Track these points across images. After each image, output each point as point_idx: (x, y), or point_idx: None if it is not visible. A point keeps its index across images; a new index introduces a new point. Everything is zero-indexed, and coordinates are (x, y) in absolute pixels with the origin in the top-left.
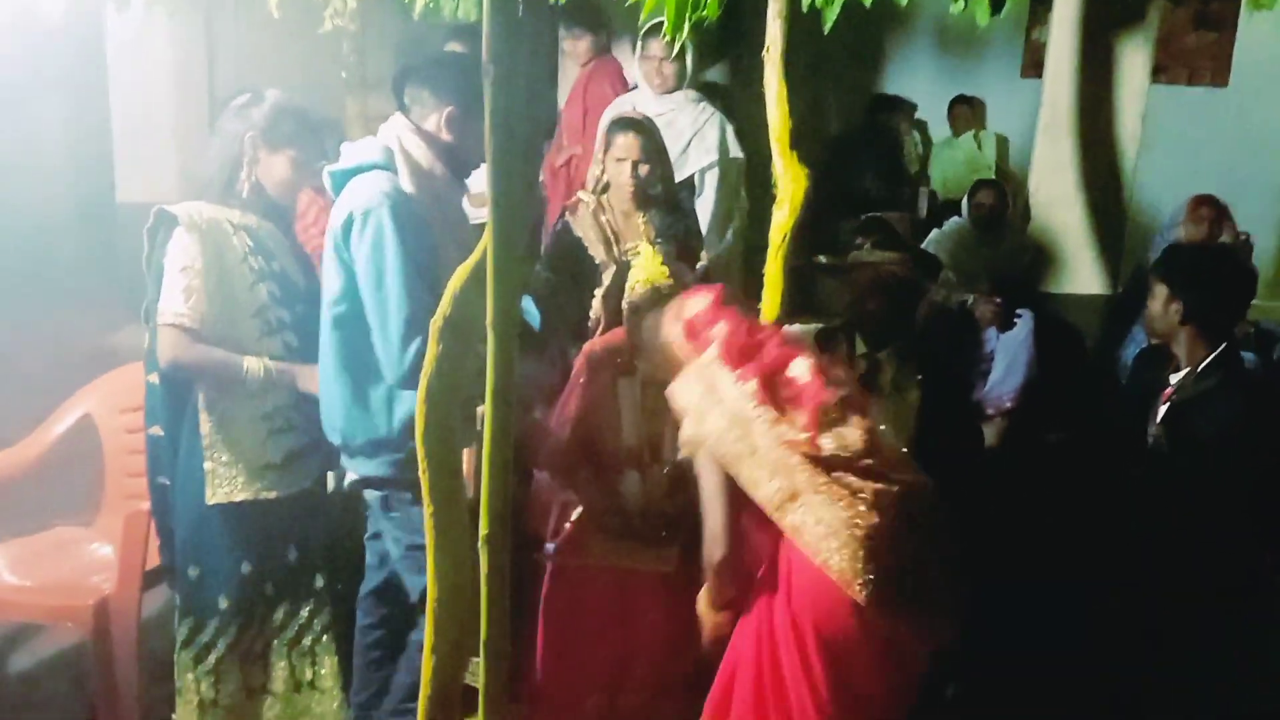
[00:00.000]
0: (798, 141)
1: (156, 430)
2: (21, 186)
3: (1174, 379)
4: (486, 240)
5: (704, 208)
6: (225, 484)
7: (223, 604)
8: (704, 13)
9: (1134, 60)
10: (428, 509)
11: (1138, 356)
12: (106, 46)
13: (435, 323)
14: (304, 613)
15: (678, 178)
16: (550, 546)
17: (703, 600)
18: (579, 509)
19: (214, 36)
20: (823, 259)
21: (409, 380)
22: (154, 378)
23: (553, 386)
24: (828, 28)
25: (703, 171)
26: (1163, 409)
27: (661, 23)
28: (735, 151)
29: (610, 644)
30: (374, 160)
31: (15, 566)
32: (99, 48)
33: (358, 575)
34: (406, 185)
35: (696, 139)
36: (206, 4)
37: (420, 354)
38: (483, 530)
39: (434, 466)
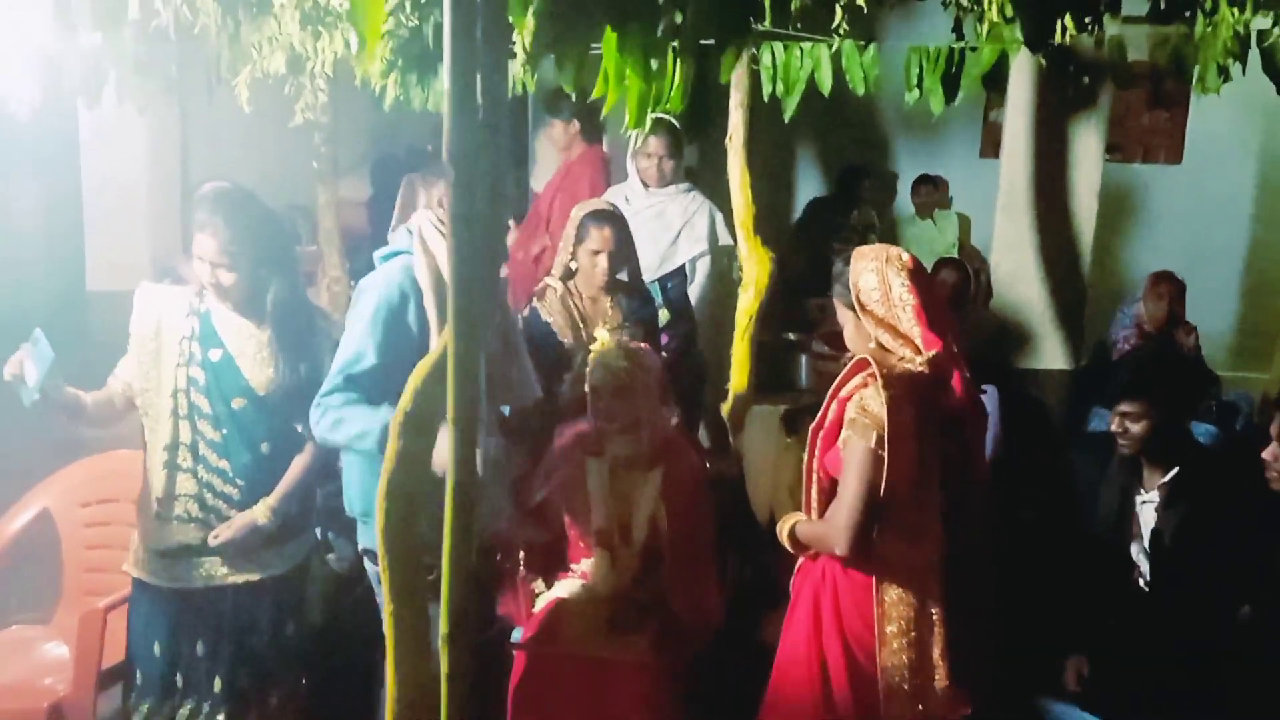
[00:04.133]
0: (760, 225)
1: None
2: None
3: (1142, 497)
4: (447, 335)
5: (695, 294)
6: (130, 556)
7: (138, 681)
8: (667, 105)
9: (1087, 141)
10: (388, 606)
11: (1113, 463)
12: (80, 137)
13: (396, 418)
14: (210, 711)
15: (670, 266)
16: (518, 634)
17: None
18: (549, 596)
19: (188, 127)
20: (791, 336)
21: (312, 414)
22: None
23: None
24: (788, 116)
25: (694, 260)
26: (1146, 530)
27: (661, 119)
28: (725, 239)
29: None
30: (402, 248)
31: None
32: (73, 139)
33: (261, 677)
34: (419, 272)
35: (686, 229)
36: (179, 97)
37: (324, 395)
38: (443, 629)
39: (395, 563)
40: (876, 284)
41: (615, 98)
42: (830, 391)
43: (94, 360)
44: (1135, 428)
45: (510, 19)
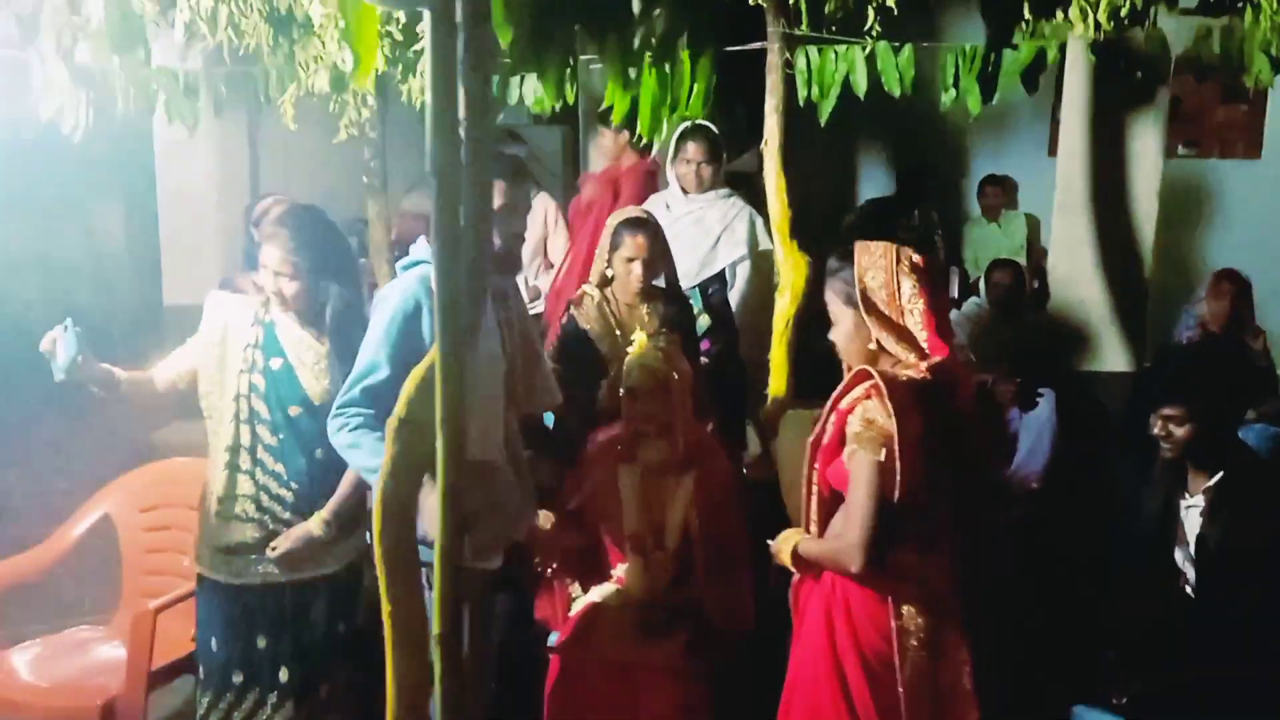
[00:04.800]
0: (821, 230)
1: None
2: (82, 289)
3: (1187, 502)
4: (435, 346)
5: (736, 299)
6: (198, 556)
7: (201, 676)
8: (686, 111)
9: (1146, 139)
10: (385, 607)
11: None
12: (155, 153)
13: (390, 424)
14: (269, 704)
15: (710, 272)
16: (554, 638)
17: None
18: (585, 600)
19: (256, 143)
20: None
21: (329, 424)
22: None
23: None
24: (824, 119)
25: (734, 265)
26: (1191, 536)
27: (699, 125)
28: (765, 243)
29: None
30: (422, 257)
31: (33, 666)
32: (148, 155)
33: (318, 668)
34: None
35: (726, 234)
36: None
37: (343, 406)
38: (435, 629)
39: (390, 566)
40: (884, 282)
41: (623, 107)
42: (829, 404)
43: None
44: (1178, 431)
45: (492, 33)
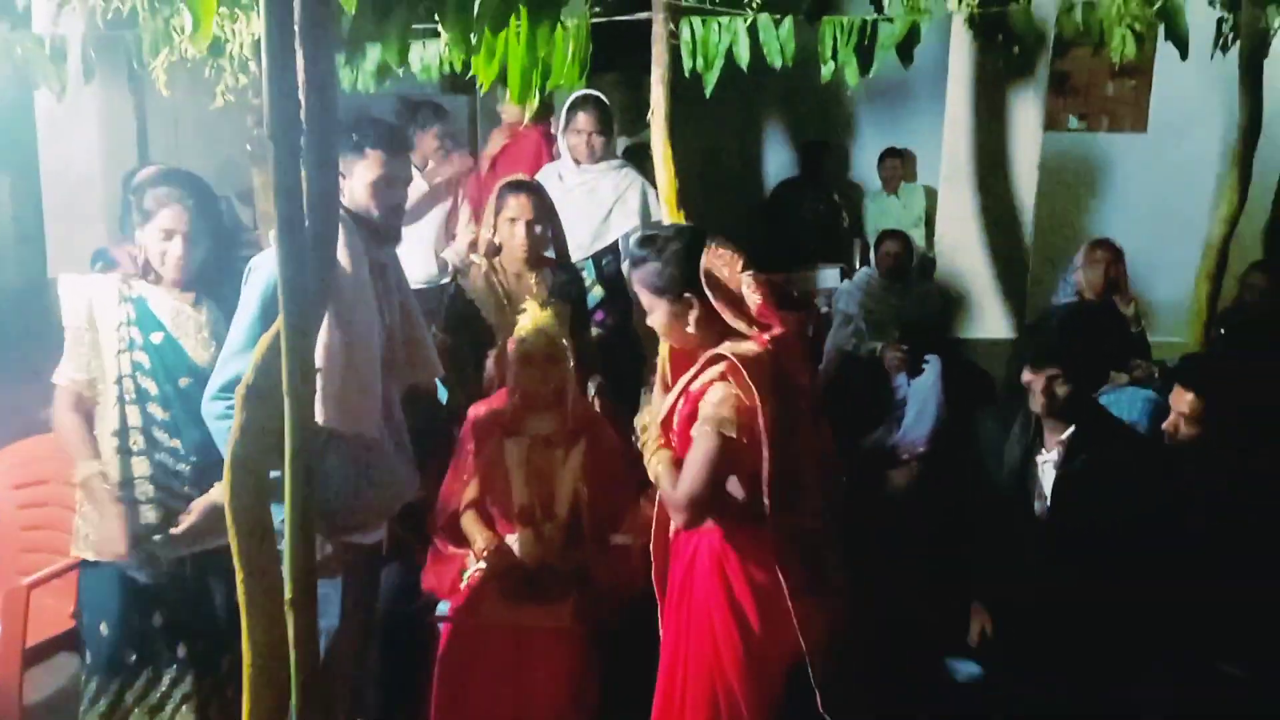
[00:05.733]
0: (729, 201)
1: None
2: None
3: (1043, 457)
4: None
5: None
6: (81, 541)
7: (88, 660)
8: (562, 80)
9: (1026, 111)
10: (239, 574)
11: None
12: (37, 125)
13: (239, 390)
14: (165, 680)
15: (603, 243)
16: (443, 607)
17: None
18: (473, 569)
19: (144, 112)
20: None
21: (206, 407)
22: None
23: (446, 447)
24: (709, 90)
25: (627, 236)
26: (1048, 483)
27: (589, 95)
28: (657, 214)
29: (506, 703)
30: None
31: None
32: (29, 126)
33: (218, 641)
34: None
35: (619, 204)
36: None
37: (224, 391)
38: (287, 594)
39: (243, 532)
40: (728, 276)
41: (490, 75)
42: (680, 386)
43: (56, 344)
44: (1061, 390)
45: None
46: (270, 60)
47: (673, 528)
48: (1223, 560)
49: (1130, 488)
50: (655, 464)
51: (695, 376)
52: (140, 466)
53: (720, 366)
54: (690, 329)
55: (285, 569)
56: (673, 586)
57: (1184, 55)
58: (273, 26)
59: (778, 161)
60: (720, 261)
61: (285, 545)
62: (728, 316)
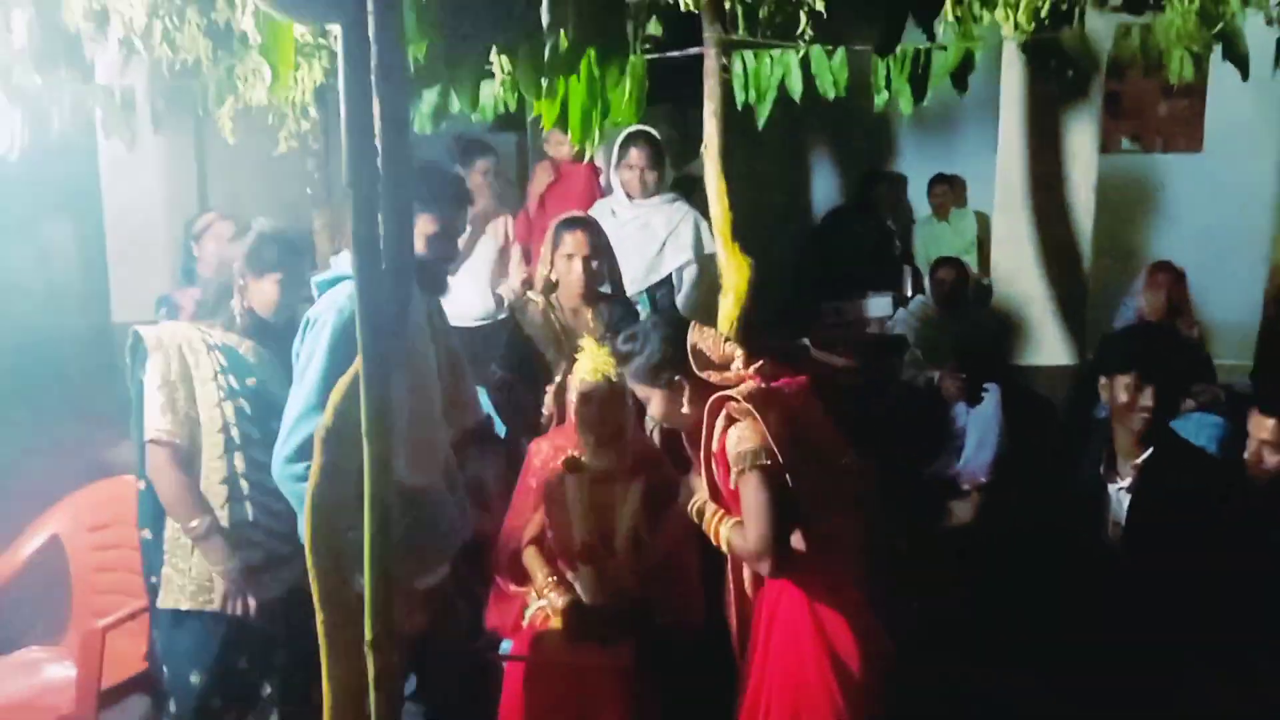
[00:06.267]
0: (774, 232)
1: (145, 534)
2: (31, 307)
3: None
4: (359, 355)
5: (683, 303)
6: (175, 591)
7: (173, 709)
8: (618, 117)
9: (1081, 135)
10: (319, 616)
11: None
12: (100, 170)
13: (318, 433)
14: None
15: (656, 276)
16: (505, 645)
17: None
18: (535, 607)
19: (203, 157)
20: (806, 341)
21: (281, 470)
22: (143, 484)
23: (508, 484)
24: (761, 122)
25: (680, 269)
26: (1122, 510)
27: (642, 131)
28: (710, 247)
29: None
30: (347, 272)
31: None
32: (93, 171)
33: (305, 676)
34: None
35: (671, 238)
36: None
37: (298, 449)
38: (368, 635)
39: (322, 574)
40: (700, 338)
41: (553, 115)
42: (704, 456)
43: (119, 388)
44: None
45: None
46: (349, 110)
47: (749, 584)
48: None
49: (1209, 513)
50: (723, 533)
51: (710, 437)
52: (248, 511)
53: (724, 412)
54: (685, 410)
55: (366, 610)
56: (756, 637)
57: (1245, 76)
58: (351, 76)
59: (825, 189)
60: (706, 338)
61: (365, 586)
62: (716, 380)
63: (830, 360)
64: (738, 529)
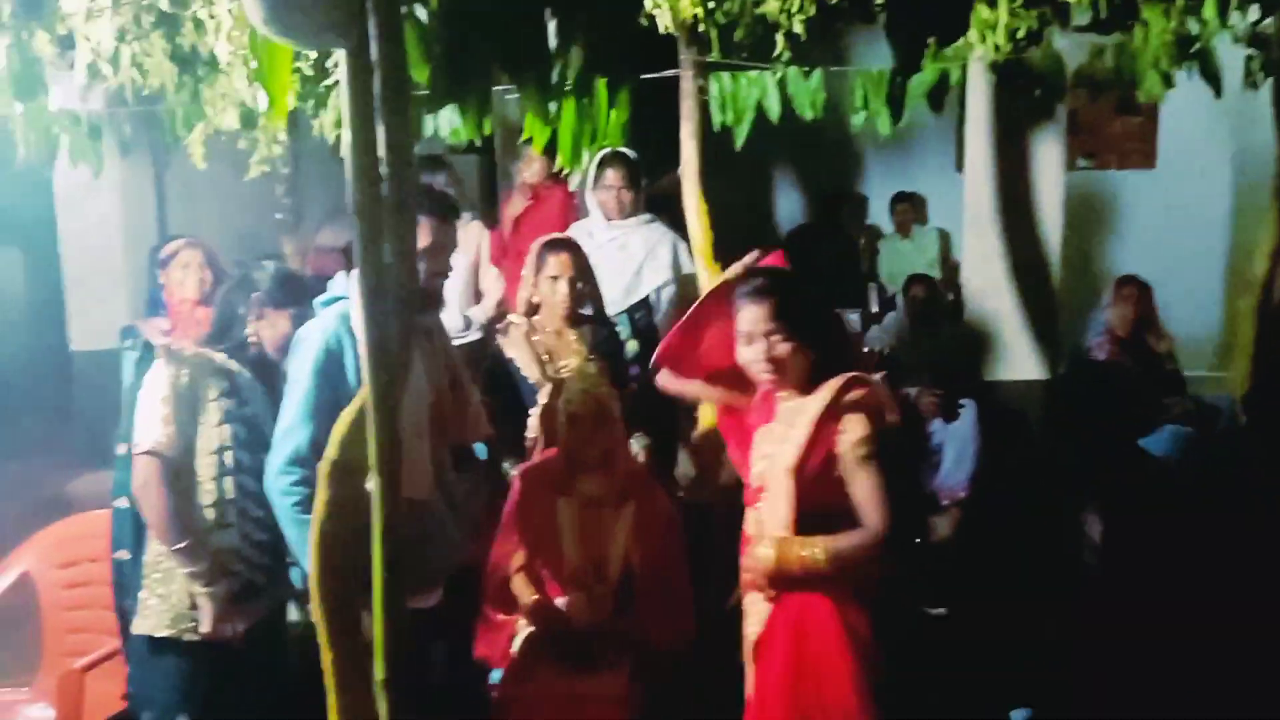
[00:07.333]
0: (738, 251)
1: (123, 554)
2: None
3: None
4: (366, 387)
5: (662, 324)
6: (152, 616)
7: None
8: (605, 140)
9: (1048, 152)
10: (325, 653)
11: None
12: (55, 199)
13: (323, 468)
14: None
15: (635, 297)
16: (496, 675)
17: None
18: (525, 634)
19: (162, 183)
20: None
21: (272, 481)
22: (123, 502)
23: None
24: (739, 143)
25: (659, 290)
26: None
27: (618, 152)
28: (688, 267)
29: None
30: (340, 294)
31: None
32: (47, 201)
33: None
34: (356, 318)
35: (650, 259)
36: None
37: (291, 465)
38: (378, 675)
39: (329, 609)
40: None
41: (543, 138)
42: (811, 424)
43: (79, 417)
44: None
45: (408, 70)
46: (353, 136)
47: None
48: None
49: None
50: (815, 555)
51: (827, 410)
52: (230, 539)
53: (856, 394)
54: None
55: (376, 648)
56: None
57: (1218, 94)
58: (355, 102)
59: (789, 209)
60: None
61: (375, 623)
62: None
63: None
64: (835, 538)
